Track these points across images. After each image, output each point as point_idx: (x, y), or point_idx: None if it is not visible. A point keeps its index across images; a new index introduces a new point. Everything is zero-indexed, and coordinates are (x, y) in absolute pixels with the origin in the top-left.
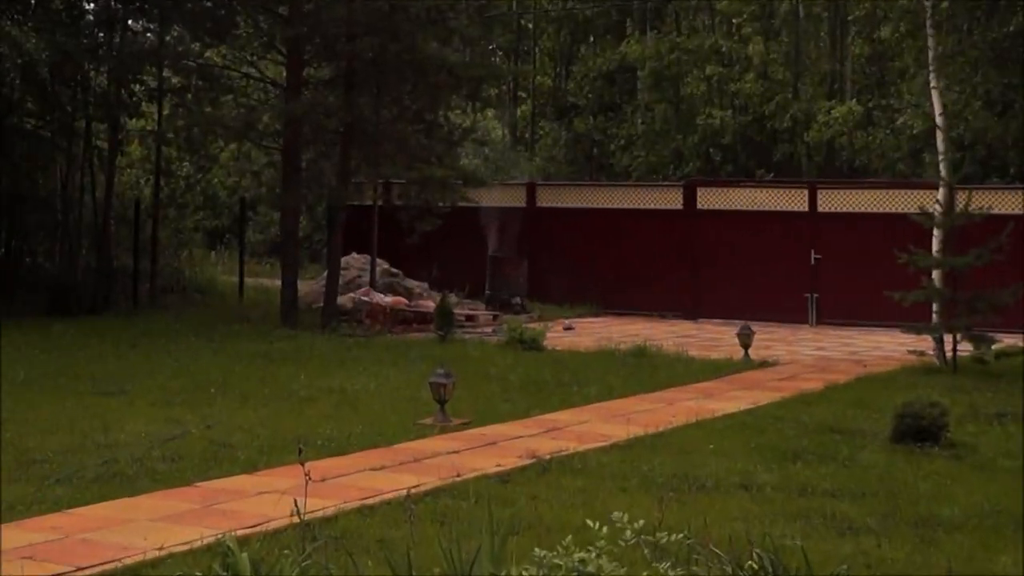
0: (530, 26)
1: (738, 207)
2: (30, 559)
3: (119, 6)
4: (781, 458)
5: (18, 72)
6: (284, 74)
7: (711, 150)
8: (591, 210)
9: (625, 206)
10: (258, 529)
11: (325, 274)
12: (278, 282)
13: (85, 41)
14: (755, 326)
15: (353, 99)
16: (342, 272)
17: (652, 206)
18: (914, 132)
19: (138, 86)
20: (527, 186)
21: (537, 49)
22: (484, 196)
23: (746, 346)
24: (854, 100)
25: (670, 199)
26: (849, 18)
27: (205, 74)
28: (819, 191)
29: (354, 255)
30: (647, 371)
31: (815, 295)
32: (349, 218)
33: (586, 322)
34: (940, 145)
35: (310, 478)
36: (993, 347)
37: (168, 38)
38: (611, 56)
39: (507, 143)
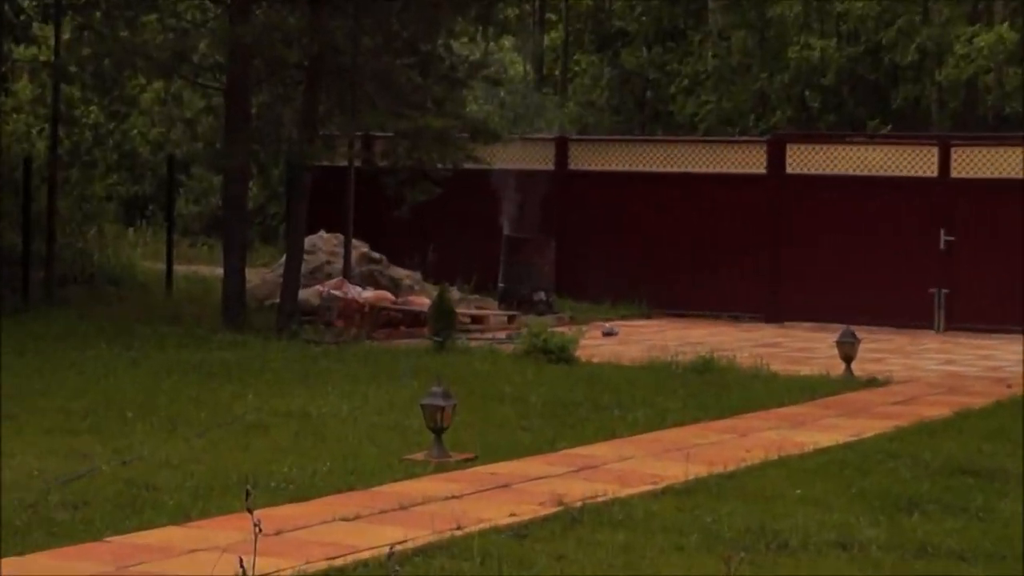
0: None
1: (842, 171)
2: None
3: None
4: (892, 507)
5: None
6: None
7: (807, 93)
8: (642, 175)
9: (689, 169)
10: None
11: (283, 260)
12: (219, 270)
13: None
14: (860, 331)
15: (321, 21)
16: (306, 257)
17: (725, 169)
18: None
19: (28, 1)
20: (557, 142)
21: None
22: (499, 155)
23: (848, 358)
24: (1005, 24)
25: (750, 160)
26: None
27: None
28: (954, 149)
29: (322, 234)
30: (713, 391)
31: (944, 291)
32: (316, 184)
33: (633, 325)
34: None
35: (260, 530)
36: None
37: None
38: None
39: (530, 83)
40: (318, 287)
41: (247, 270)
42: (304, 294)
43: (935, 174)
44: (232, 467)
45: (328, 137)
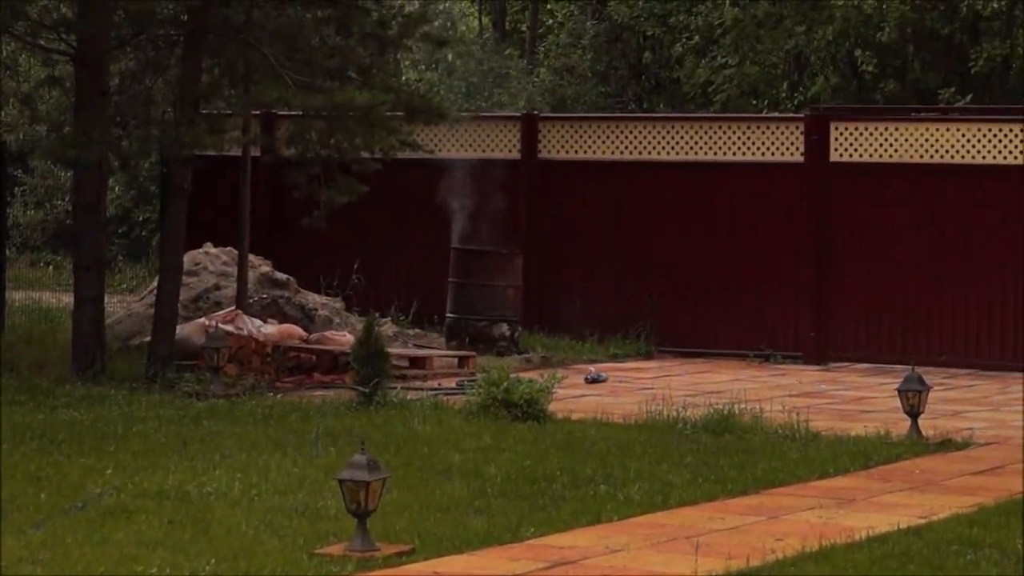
0: None
1: (905, 158)
2: None
3: None
4: None
5: None
6: None
7: (858, 53)
8: (639, 165)
9: (701, 157)
10: None
11: (154, 284)
12: (68, 298)
13: None
14: (932, 375)
15: None
16: (187, 280)
17: (749, 157)
18: None
19: None
20: (524, 121)
21: None
22: (445, 140)
23: (914, 412)
24: None
25: (783, 143)
26: None
27: None
28: None
29: (209, 249)
30: (733, 458)
31: None
32: (200, 182)
33: (627, 368)
34: None
35: None
36: None
37: None
38: None
39: (488, 42)
40: (203, 320)
41: (106, 298)
42: (184, 330)
43: None
44: (82, 568)
45: (214, 117)
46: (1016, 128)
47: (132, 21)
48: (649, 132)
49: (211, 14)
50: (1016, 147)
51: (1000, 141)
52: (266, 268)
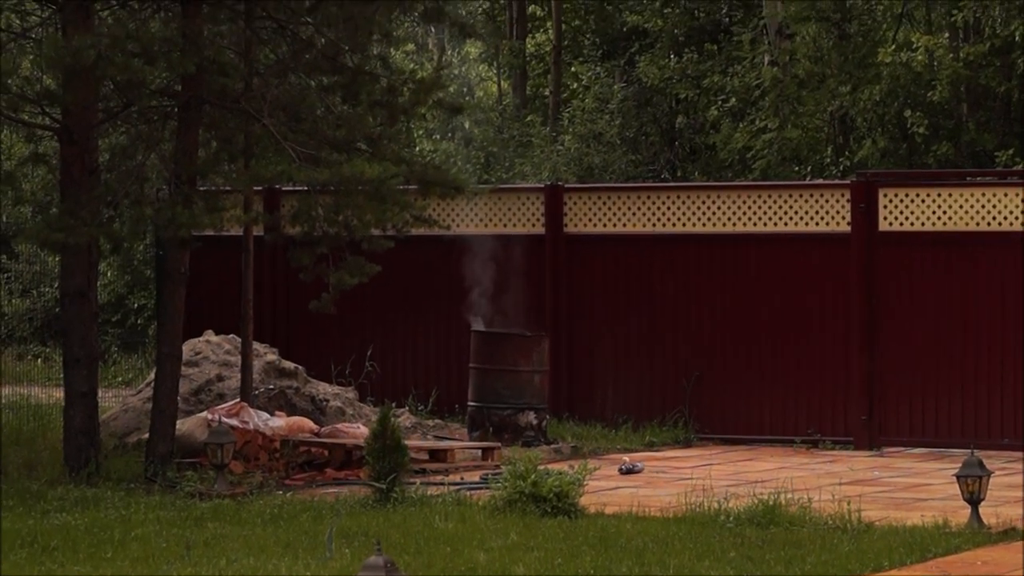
0: None
1: (960, 227)
2: None
3: None
4: None
5: None
6: None
7: (908, 115)
8: (673, 239)
9: (739, 229)
10: None
11: (152, 377)
12: (59, 394)
13: None
14: (991, 460)
15: (195, 27)
16: (187, 371)
17: (791, 228)
18: None
19: None
20: (548, 192)
21: None
22: (463, 215)
23: (975, 500)
24: None
25: (828, 212)
26: None
27: None
28: None
29: (210, 337)
30: (779, 552)
31: None
32: (199, 265)
33: (665, 457)
34: None
35: None
36: None
37: None
38: None
39: (509, 109)
40: (205, 414)
41: (101, 393)
42: (184, 425)
43: None
44: None
45: (212, 195)
46: None
47: (121, 92)
48: (684, 203)
49: (207, 83)
50: None
51: None
52: (272, 356)
